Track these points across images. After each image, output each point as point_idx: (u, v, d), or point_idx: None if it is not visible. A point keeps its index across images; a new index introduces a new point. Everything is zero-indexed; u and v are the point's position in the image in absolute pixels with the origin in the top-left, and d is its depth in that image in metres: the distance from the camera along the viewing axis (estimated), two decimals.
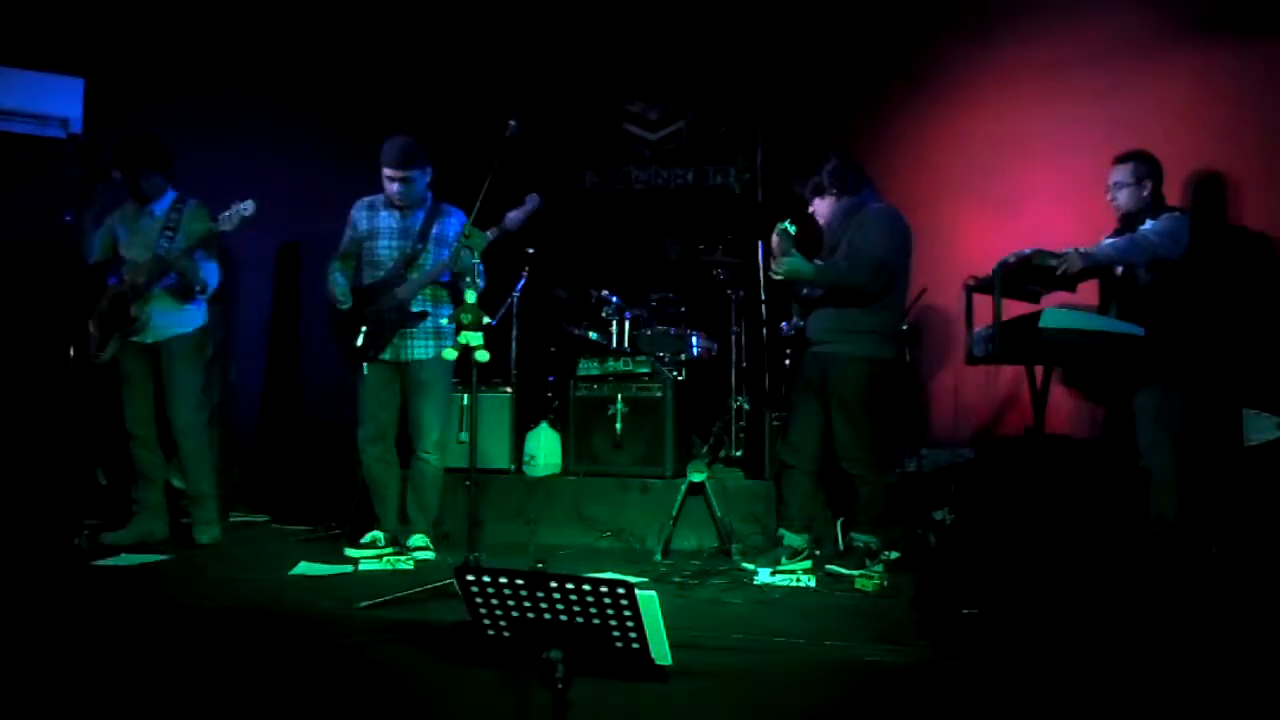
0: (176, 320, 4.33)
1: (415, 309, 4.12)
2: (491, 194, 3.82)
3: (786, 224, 3.96)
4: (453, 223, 4.22)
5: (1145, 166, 3.88)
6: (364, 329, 4.10)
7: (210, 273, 4.32)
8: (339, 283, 4.13)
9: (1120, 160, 3.93)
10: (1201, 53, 4.50)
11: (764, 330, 5.00)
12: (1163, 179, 3.92)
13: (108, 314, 4.29)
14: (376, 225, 4.21)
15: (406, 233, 4.18)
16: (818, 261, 3.98)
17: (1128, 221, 3.90)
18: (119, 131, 4.54)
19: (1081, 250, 3.68)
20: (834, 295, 3.97)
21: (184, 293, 4.29)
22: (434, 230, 4.19)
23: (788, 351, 4.16)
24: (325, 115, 5.84)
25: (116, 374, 4.34)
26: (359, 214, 4.25)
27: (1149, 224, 3.77)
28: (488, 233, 3.90)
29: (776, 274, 3.97)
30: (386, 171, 4.10)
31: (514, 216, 3.94)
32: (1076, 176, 4.87)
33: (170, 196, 4.37)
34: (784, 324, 4.36)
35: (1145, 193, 3.87)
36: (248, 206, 4.06)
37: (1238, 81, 4.37)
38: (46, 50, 4.91)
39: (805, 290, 4.12)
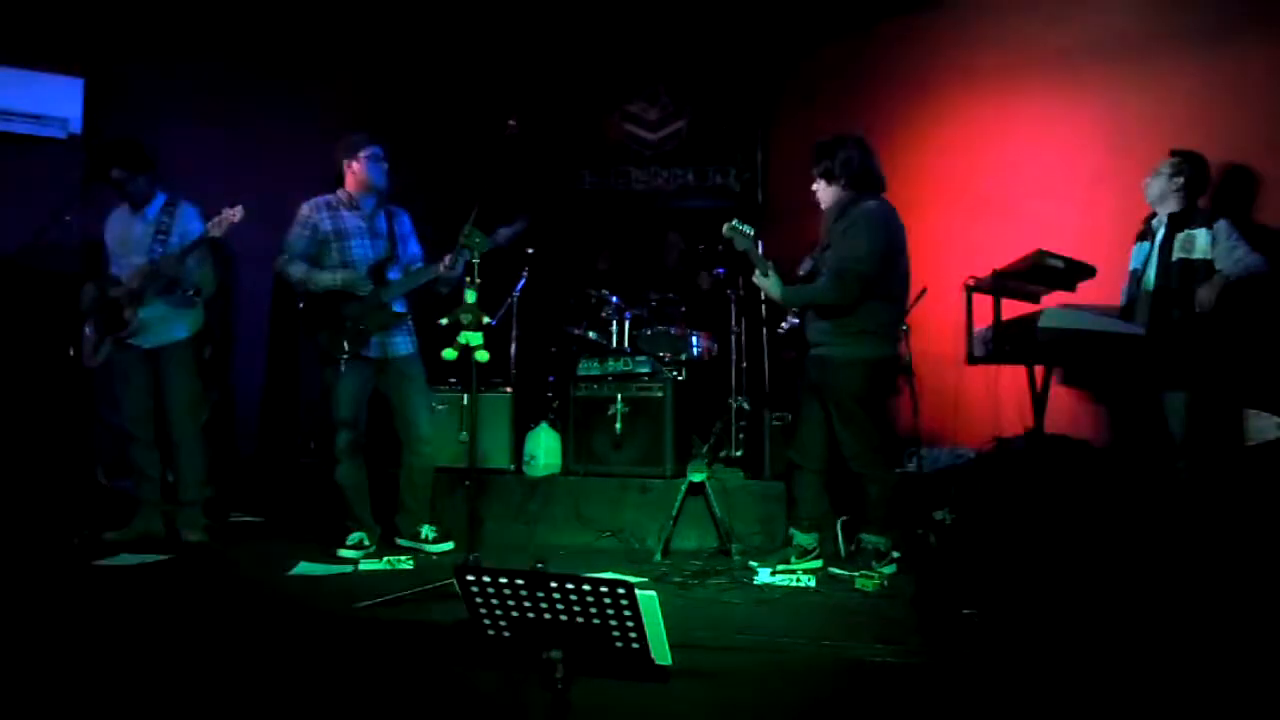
0: (172, 325, 4.32)
1: (398, 309, 4.17)
2: (492, 194, 3.81)
3: (736, 223, 3.95)
4: (404, 221, 4.32)
5: (1184, 164, 3.99)
6: (347, 328, 4.07)
7: (205, 276, 4.31)
8: (320, 274, 4.10)
9: (1172, 152, 4.05)
10: (1204, 51, 4.50)
11: (764, 330, 5.00)
12: (1204, 182, 4.00)
13: (102, 318, 4.28)
14: (342, 226, 4.18)
15: (375, 232, 4.21)
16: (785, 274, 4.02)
17: (1174, 222, 3.98)
18: (119, 131, 4.54)
19: (1221, 271, 3.81)
20: None
21: (179, 297, 4.28)
22: (396, 230, 4.27)
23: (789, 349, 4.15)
24: (326, 114, 5.83)
25: (110, 374, 4.33)
26: (319, 215, 4.18)
27: (1230, 237, 3.84)
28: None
29: (757, 284, 4.04)
30: (374, 150, 4.15)
31: (504, 233, 3.96)
32: (1076, 177, 4.87)
33: (160, 200, 4.36)
34: (783, 322, 4.35)
35: (1176, 188, 3.98)
36: (236, 212, 4.06)
37: (1241, 80, 4.37)
38: (46, 50, 4.92)
39: None
